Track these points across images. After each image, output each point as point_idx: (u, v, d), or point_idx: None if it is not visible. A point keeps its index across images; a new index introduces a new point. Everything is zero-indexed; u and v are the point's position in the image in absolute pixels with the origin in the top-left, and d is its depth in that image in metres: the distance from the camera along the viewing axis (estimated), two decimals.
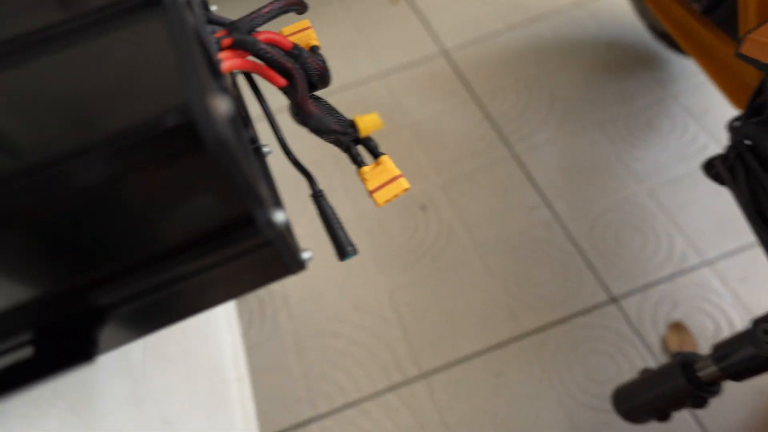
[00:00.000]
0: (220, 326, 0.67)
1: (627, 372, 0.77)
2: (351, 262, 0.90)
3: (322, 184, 0.89)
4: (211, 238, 0.27)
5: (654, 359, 0.78)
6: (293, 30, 0.48)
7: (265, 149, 0.41)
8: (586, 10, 1.20)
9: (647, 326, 0.80)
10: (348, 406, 0.78)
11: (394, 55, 1.19)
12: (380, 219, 0.95)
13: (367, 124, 0.33)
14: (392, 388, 0.79)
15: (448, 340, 0.82)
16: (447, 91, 1.12)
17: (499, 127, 1.04)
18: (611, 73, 1.10)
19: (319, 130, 0.34)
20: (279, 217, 0.28)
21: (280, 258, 0.32)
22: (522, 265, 0.88)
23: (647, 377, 0.60)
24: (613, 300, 0.83)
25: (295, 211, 0.90)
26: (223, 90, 0.34)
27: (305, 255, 0.34)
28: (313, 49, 0.47)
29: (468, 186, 0.98)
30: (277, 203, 0.36)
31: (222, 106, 0.23)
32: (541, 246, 0.90)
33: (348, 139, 0.39)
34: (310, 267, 0.89)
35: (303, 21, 0.48)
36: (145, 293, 0.29)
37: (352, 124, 0.34)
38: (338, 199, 0.98)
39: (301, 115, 0.34)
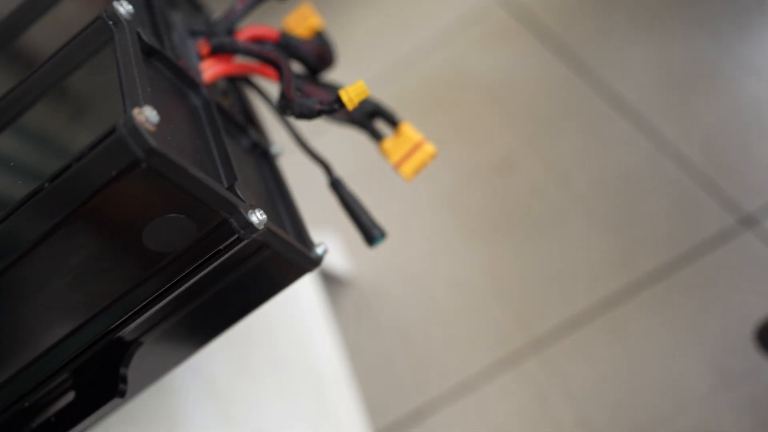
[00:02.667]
0: (313, 332, 0.68)
1: None
2: (438, 240, 0.87)
3: (371, 182, 0.87)
4: (196, 253, 0.26)
5: None
6: (294, 18, 0.46)
7: (275, 149, 0.39)
8: None
9: None
10: (460, 386, 0.75)
11: (446, 14, 1.12)
12: (461, 190, 0.90)
13: (351, 94, 0.30)
14: (504, 362, 0.74)
15: (558, 303, 0.75)
16: (509, 38, 1.03)
17: (578, 58, 0.93)
18: None
19: (304, 114, 0.32)
20: (256, 217, 0.26)
21: (286, 259, 0.30)
22: (627, 207, 0.78)
23: None
24: (746, 221, 0.70)
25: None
26: (204, 101, 0.33)
27: (319, 250, 0.32)
28: (319, 34, 0.44)
29: (552, 134, 0.89)
30: (279, 203, 0.34)
31: (146, 115, 0.22)
32: (647, 180, 0.79)
33: (348, 116, 0.36)
34: (398, 255, 0.87)
35: (303, 6, 0.46)
36: (159, 322, 0.29)
37: (337, 99, 0.31)
38: (404, 190, 0.95)
39: (283, 102, 0.32)
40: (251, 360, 0.54)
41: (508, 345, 0.75)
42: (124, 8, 0.28)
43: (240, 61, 0.37)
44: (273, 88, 0.47)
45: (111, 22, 0.28)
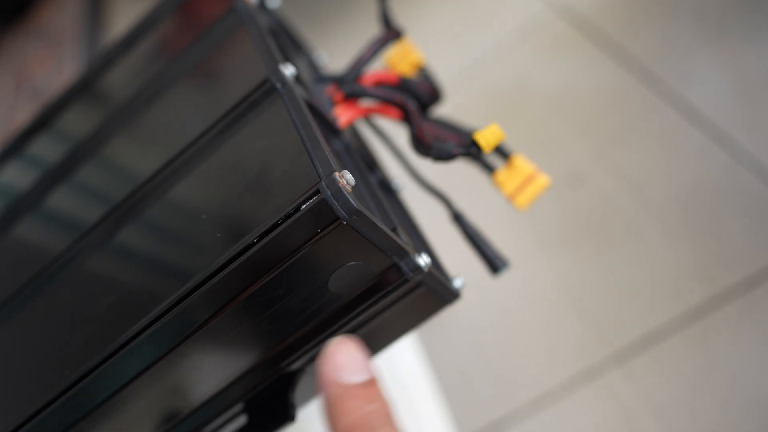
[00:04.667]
0: (401, 354, 0.70)
1: None
2: (511, 253, 0.88)
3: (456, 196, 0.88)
4: (367, 294, 0.29)
5: None
6: (397, 55, 0.48)
7: (395, 184, 0.42)
8: None
9: None
10: (540, 399, 0.76)
11: (504, 25, 1.14)
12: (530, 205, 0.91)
13: (489, 139, 0.33)
14: (585, 375, 0.75)
15: (638, 316, 0.76)
16: (569, 48, 1.04)
17: (645, 67, 0.94)
18: None
19: (442, 158, 0.34)
20: (423, 260, 0.28)
21: (435, 294, 0.32)
22: (705, 219, 0.78)
23: None
24: None
25: (437, 234, 0.91)
26: (345, 146, 0.36)
27: (457, 283, 0.35)
28: (422, 70, 0.47)
29: (622, 146, 0.89)
30: (419, 239, 0.37)
31: (346, 179, 0.25)
32: (724, 191, 0.78)
33: (467, 151, 0.38)
34: (470, 269, 0.89)
35: (404, 43, 0.48)
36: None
37: (473, 143, 0.33)
38: (476, 198, 0.96)
39: (420, 147, 0.35)
40: None
41: (589, 358, 0.76)
42: (289, 71, 0.31)
43: (366, 105, 0.40)
44: (386, 125, 0.49)
45: (279, 84, 0.31)
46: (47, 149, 0.45)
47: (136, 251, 0.31)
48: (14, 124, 1.68)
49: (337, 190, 0.24)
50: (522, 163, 0.41)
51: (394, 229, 0.30)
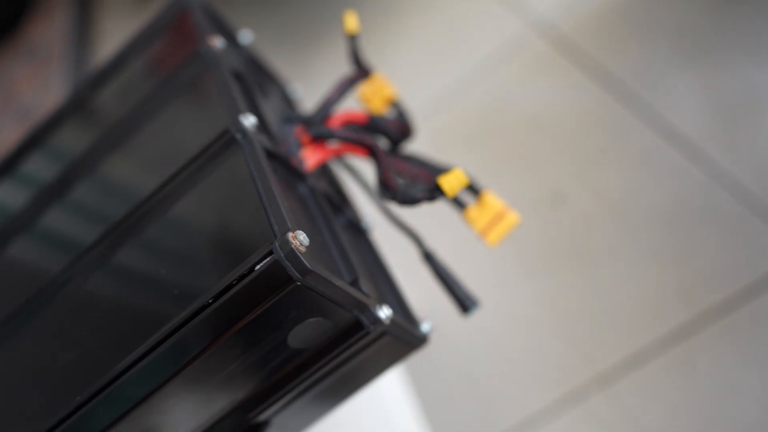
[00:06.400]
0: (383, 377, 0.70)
1: None
2: (493, 275, 0.88)
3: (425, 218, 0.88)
4: (329, 347, 0.29)
5: None
6: (369, 90, 0.48)
7: (366, 223, 0.42)
8: None
9: None
10: (525, 423, 0.76)
11: (484, 46, 1.14)
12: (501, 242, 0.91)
13: (453, 184, 0.33)
14: (570, 398, 0.75)
15: (621, 338, 0.76)
16: (550, 68, 1.04)
17: (624, 86, 0.94)
18: None
19: (407, 202, 0.34)
20: (383, 313, 0.28)
21: (400, 341, 0.32)
22: (685, 239, 0.78)
23: None
24: None
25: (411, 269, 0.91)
26: (311, 190, 0.36)
27: (425, 327, 0.34)
28: (395, 105, 0.47)
29: (602, 165, 0.90)
30: (386, 283, 0.36)
31: (299, 240, 0.24)
32: (703, 211, 0.79)
33: (431, 195, 0.38)
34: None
35: (376, 77, 0.48)
36: (286, 404, 0.31)
37: (437, 188, 0.33)
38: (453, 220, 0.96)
39: (386, 191, 0.35)
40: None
41: (573, 381, 0.76)
42: (249, 121, 0.31)
43: (334, 146, 0.40)
44: (357, 161, 0.49)
45: (239, 135, 0.31)
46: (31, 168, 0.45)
47: (97, 303, 0.31)
48: (1, 142, 1.67)
49: (290, 252, 0.24)
50: (492, 201, 0.41)
51: (355, 281, 0.30)
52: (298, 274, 0.24)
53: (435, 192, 0.33)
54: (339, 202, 0.40)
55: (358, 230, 0.40)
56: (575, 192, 0.89)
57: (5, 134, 1.66)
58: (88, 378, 0.27)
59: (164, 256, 0.30)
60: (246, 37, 0.48)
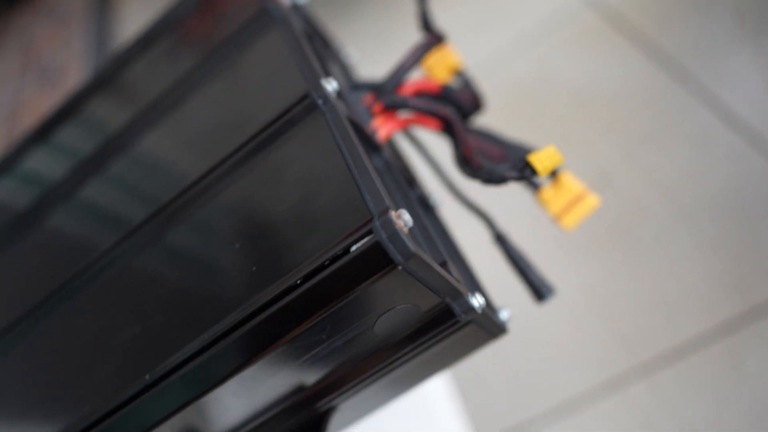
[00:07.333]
0: None
1: None
2: (536, 256, 0.85)
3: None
4: (415, 335, 0.27)
5: None
6: (434, 58, 0.45)
7: (432, 200, 0.39)
8: None
9: None
10: (562, 407, 0.74)
11: (531, 15, 1.09)
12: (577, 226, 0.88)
13: (546, 163, 0.30)
14: (609, 385, 0.73)
15: (666, 327, 0.73)
16: (599, 42, 0.99)
17: (678, 64, 0.90)
18: None
19: (493, 181, 0.31)
20: (477, 302, 0.26)
21: (483, 330, 0.30)
22: (739, 228, 0.75)
23: None
24: None
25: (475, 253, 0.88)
26: (385, 163, 0.33)
27: (504, 315, 0.32)
28: (459, 75, 0.44)
29: (653, 147, 0.86)
30: (462, 266, 0.34)
31: (404, 220, 0.22)
32: (761, 200, 0.75)
33: (521, 174, 0.36)
34: (495, 270, 0.87)
35: (442, 46, 0.45)
36: (364, 386, 0.30)
37: (527, 166, 0.30)
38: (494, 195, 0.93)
39: (467, 168, 0.32)
40: None
41: (613, 368, 0.74)
42: (332, 86, 0.29)
43: (406, 116, 0.37)
44: (423, 133, 0.46)
45: (321, 101, 0.28)
46: (73, 139, 0.43)
47: (163, 277, 0.29)
48: (21, 102, 1.65)
49: (393, 233, 0.21)
50: (570, 182, 0.38)
51: (444, 264, 0.27)
52: (401, 258, 0.22)
53: (525, 170, 0.31)
54: (409, 178, 0.37)
55: (427, 207, 0.38)
56: (623, 173, 0.86)
57: (26, 95, 1.64)
58: (159, 355, 0.25)
59: (238, 229, 0.27)
60: None
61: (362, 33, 1.25)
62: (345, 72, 0.49)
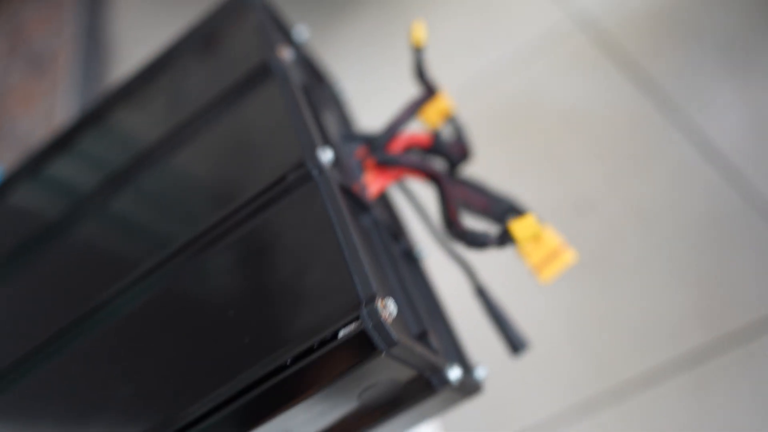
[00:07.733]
0: None
1: None
2: (510, 278, 0.88)
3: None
4: (393, 403, 0.28)
5: None
6: (428, 107, 0.46)
7: (417, 251, 0.41)
8: None
9: None
10: (534, 427, 0.77)
11: (522, 35, 1.10)
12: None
13: (525, 232, 0.31)
14: (579, 409, 0.76)
15: (637, 354, 0.76)
16: (589, 65, 1.01)
17: (664, 93, 0.92)
18: None
19: (475, 246, 0.33)
20: (453, 375, 0.28)
21: (458, 392, 0.32)
22: (712, 260, 0.78)
23: None
24: None
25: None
26: (374, 222, 0.34)
27: (480, 374, 0.34)
28: (451, 120, 0.45)
29: (635, 174, 0.88)
30: (441, 316, 0.36)
31: (389, 310, 0.24)
32: (735, 234, 0.78)
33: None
34: (470, 293, 0.89)
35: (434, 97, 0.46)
36: None
37: (506, 235, 0.32)
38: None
39: (453, 231, 0.33)
40: None
41: (584, 392, 0.76)
42: (327, 157, 0.30)
43: (396, 170, 0.38)
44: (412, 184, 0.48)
45: (316, 171, 0.29)
46: (58, 182, 0.43)
47: (159, 338, 0.30)
48: (7, 86, 1.62)
49: (378, 322, 0.23)
50: (549, 236, 0.40)
51: (424, 334, 0.29)
52: (385, 345, 0.23)
53: (505, 238, 0.32)
54: (395, 229, 0.39)
55: (411, 259, 0.39)
56: (606, 199, 0.88)
57: (13, 80, 1.61)
58: (150, 420, 0.26)
59: (232, 295, 0.29)
60: (302, 34, 0.46)
61: (341, 38, 1.26)
62: (339, 107, 0.50)
